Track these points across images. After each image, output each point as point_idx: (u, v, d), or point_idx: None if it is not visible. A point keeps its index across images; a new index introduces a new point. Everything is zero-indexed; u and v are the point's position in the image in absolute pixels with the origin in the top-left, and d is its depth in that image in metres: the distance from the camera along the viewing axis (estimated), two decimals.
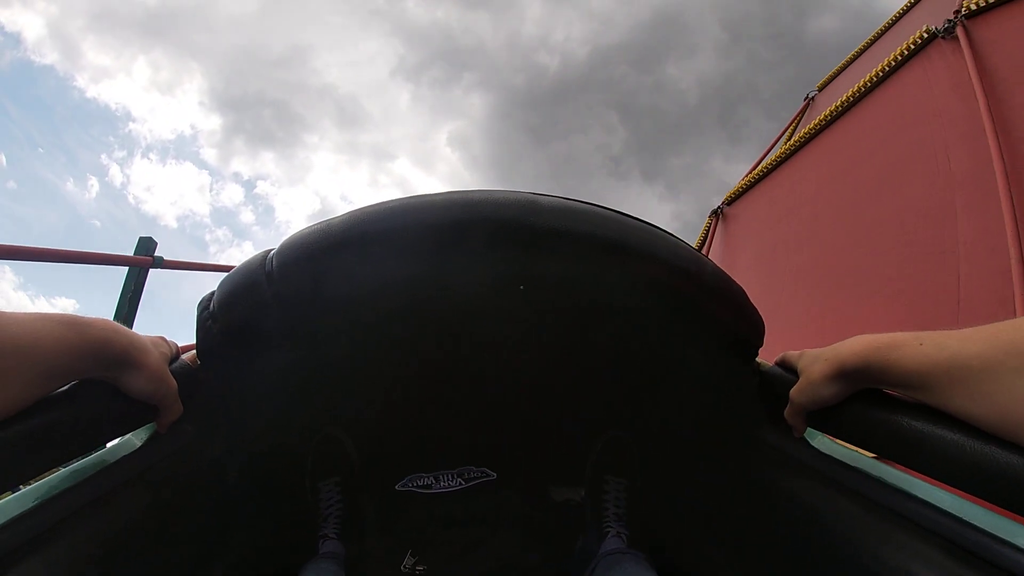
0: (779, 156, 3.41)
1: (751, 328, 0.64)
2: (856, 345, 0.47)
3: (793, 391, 0.55)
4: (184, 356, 0.60)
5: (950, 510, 0.45)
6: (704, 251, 3.71)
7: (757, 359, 0.68)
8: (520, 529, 0.92)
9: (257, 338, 0.61)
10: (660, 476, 0.89)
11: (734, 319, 0.63)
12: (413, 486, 0.89)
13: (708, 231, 4.14)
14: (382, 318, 0.65)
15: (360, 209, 0.55)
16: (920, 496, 0.48)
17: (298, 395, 0.76)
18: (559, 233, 0.54)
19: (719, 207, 4.06)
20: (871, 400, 0.48)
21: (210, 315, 0.59)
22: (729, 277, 0.62)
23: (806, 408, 0.54)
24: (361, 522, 0.85)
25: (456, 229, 0.53)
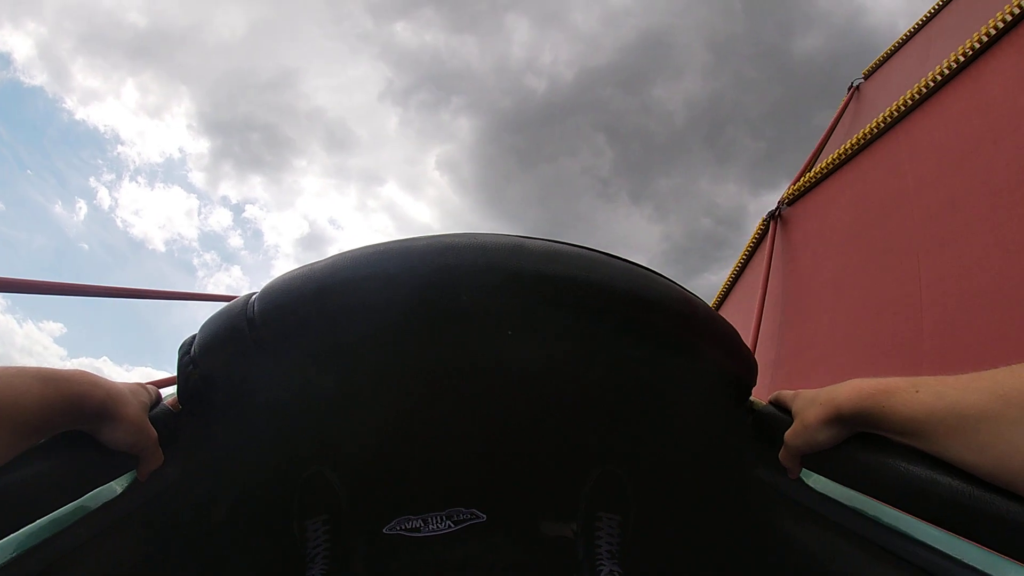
0: (848, 149, 2.84)
1: (743, 367, 0.64)
2: (851, 390, 0.47)
3: (788, 434, 0.55)
4: (166, 400, 0.60)
5: (949, 552, 0.44)
6: (764, 263, 3.23)
7: (751, 398, 0.67)
8: (513, 572, 0.90)
9: (239, 382, 0.61)
10: (654, 514, 0.87)
11: (726, 359, 0.63)
12: (401, 529, 0.87)
13: (760, 237, 3.58)
14: (368, 359, 0.65)
15: (343, 254, 0.56)
16: (918, 537, 0.47)
17: (283, 435, 0.75)
18: (545, 276, 0.54)
19: (776, 209, 3.45)
20: (867, 444, 0.48)
21: (191, 360, 0.58)
22: (720, 317, 0.62)
23: (801, 451, 0.54)
24: (348, 563, 0.83)
25: (441, 273, 0.53)
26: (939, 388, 0.40)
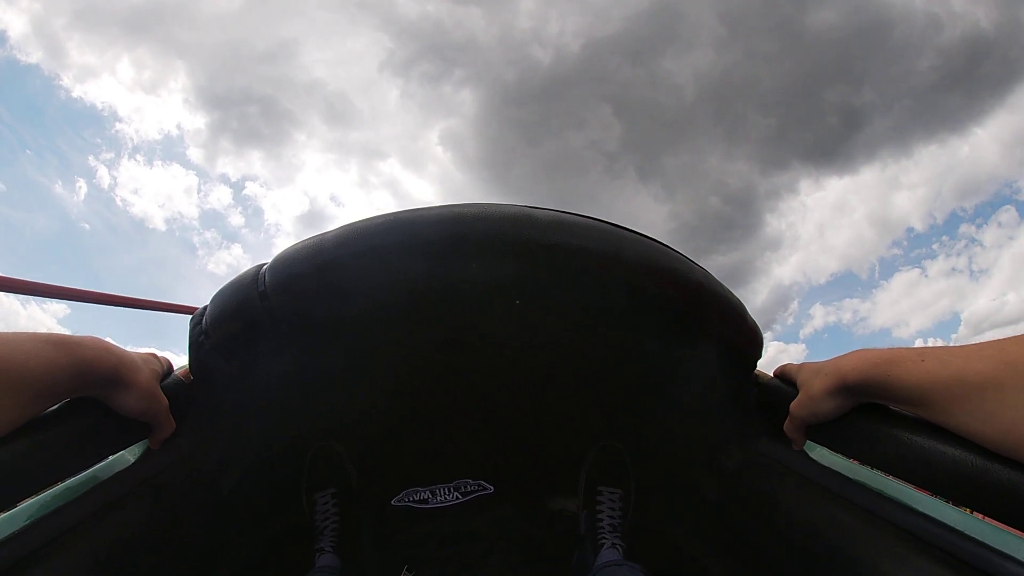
0: None
1: (749, 340, 0.64)
2: (857, 360, 0.47)
3: (793, 405, 0.55)
4: (177, 371, 0.60)
5: (951, 523, 0.45)
6: None
7: (756, 371, 0.68)
8: (518, 544, 0.91)
9: (250, 353, 0.61)
10: (658, 487, 0.88)
11: (732, 331, 0.62)
12: (409, 500, 0.88)
13: None
14: (377, 331, 0.65)
15: (353, 224, 0.55)
16: (920, 509, 0.48)
17: (293, 407, 0.76)
18: (554, 247, 0.54)
19: None
20: (871, 414, 0.48)
21: (202, 331, 0.59)
22: (727, 289, 0.62)
23: (806, 422, 0.54)
24: (357, 536, 0.85)
25: (450, 244, 0.53)
26: (944, 357, 0.40)
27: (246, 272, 0.59)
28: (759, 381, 0.66)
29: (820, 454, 0.61)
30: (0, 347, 0.36)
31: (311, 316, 0.59)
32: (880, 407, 0.48)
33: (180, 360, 0.64)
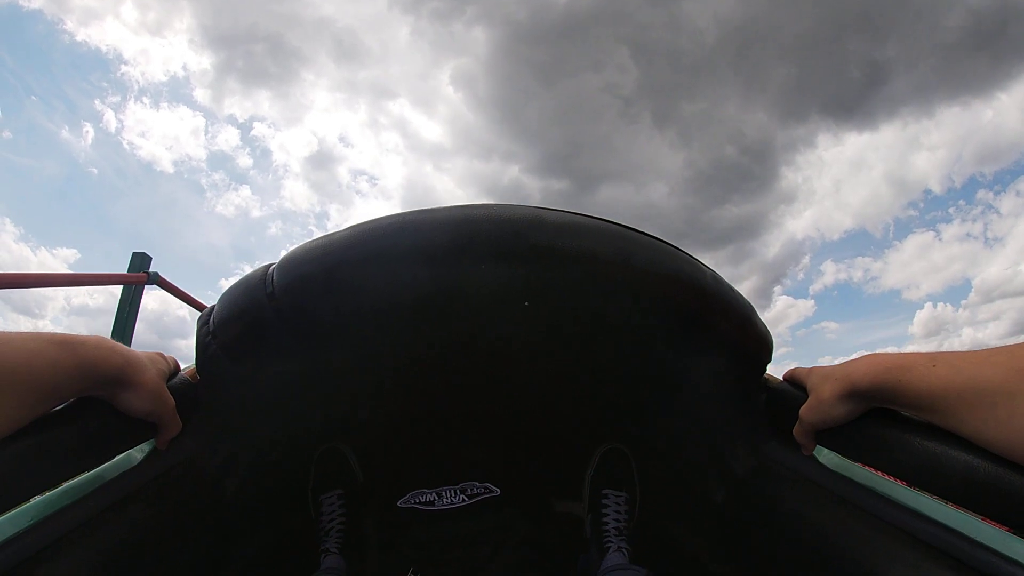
0: None
1: (759, 344, 0.63)
2: (867, 365, 0.46)
3: (803, 410, 0.54)
4: (184, 371, 0.60)
5: (961, 529, 0.44)
6: None
7: (766, 375, 0.67)
8: (524, 547, 0.91)
9: (257, 354, 0.61)
10: (665, 490, 0.87)
11: (741, 334, 0.62)
12: (415, 502, 0.88)
13: None
14: (384, 333, 0.65)
15: (361, 225, 0.55)
16: (929, 515, 0.47)
17: (300, 408, 0.76)
18: (563, 250, 0.54)
19: None
20: (882, 419, 0.47)
21: (209, 332, 0.59)
22: (736, 291, 0.61)
23: (815, 427, 0.54)
24: (363, 537, 0.85)
25: (459, 247, 0.53)
26: (956, 363, 0.40)
27: (254, 272, 0.59)
28: (768, 385, 0.66)
29: (829, 459, 0.60)
30: (3, 347, 0.37)
31: (319, 317, 0.59)
32: (891, 412, 0.47)
33: (190, 356, 0.65)
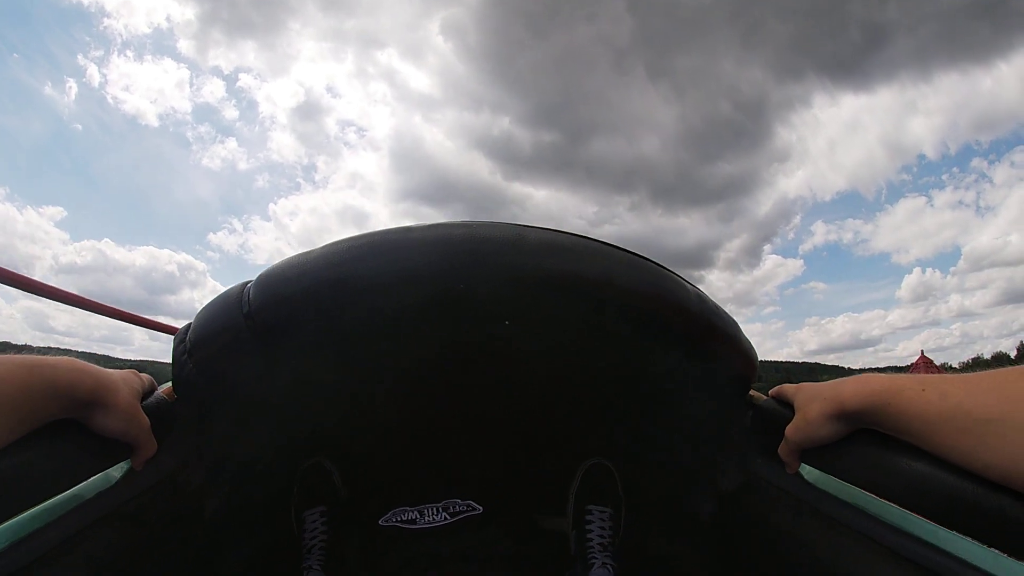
0: None
1: (744, 362, 0.64)
2: (857, 386, 0.46)
3: (789, 429, 0.54)
4: (161, 389, 0.60)
5: (948, 548, 0.44)
6: None
7: (751, 392, 0.67)
8: (508, 565, 0.90)
9: (235, 372, 0.61)
10: (652, 506, 0.87)
11: (726, 352, 0.62)
12: (397, 520, 0.87)
13: None
14: (364, 350, 0.65)
15: (338, 244, 0.56)
16: (916, 534, 0.47)
17: (279, 426, 0.76)
18: (544, 271, 0.54)
19: None
20: (867, 440, 0.47)
21: (186, 349, 0.59)
22: (722, 310, 0.61)
23: (801, 446, 0.54)
24: (345, 555, 0.84)
25: (438, 269, 0.53)
26: (944, 387, 0.40)
27: (230, 290, 0.59)
28: (754, 403, 0.66)
29: (816, 476, 0.60)
30: None
31: (296, 336, 0.59)
32: (878, 433, 0.47)
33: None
